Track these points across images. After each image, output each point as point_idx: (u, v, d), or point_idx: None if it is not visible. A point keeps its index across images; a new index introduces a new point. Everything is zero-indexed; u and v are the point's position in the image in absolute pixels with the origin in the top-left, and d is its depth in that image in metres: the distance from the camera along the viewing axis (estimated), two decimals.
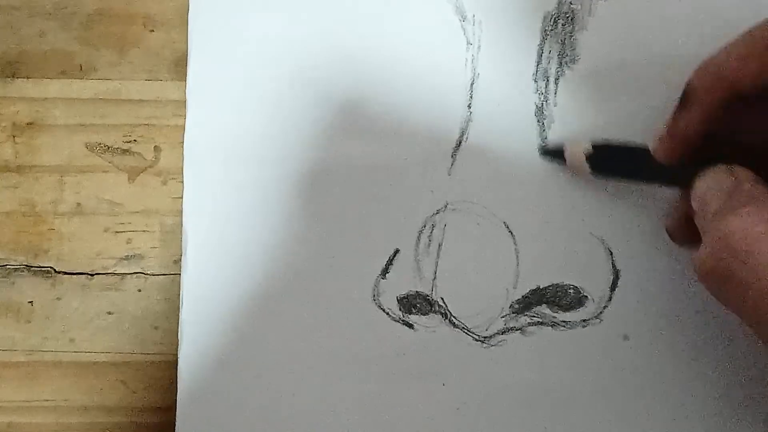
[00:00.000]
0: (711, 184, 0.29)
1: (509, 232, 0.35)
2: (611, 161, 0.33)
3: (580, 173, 0.34)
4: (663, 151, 0.32)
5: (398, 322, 0.35)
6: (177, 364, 0.35)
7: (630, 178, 0.34)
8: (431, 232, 0.35)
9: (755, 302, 0.25)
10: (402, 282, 0.35)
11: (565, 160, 0.34)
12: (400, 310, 0.35)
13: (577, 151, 0.34)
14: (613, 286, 0.35)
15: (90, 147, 0.36)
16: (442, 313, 0.35)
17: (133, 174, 0.36)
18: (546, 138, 0.35)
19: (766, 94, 0.29)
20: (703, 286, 0.27)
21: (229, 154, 0.35)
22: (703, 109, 0.30)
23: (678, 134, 0.31)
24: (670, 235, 0.34)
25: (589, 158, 0.33)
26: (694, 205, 0.30)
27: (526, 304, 0.35)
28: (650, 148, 0.32)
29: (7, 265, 0.36)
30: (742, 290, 0.26)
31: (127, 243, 0.36)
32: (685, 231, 0.33)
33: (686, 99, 0.31)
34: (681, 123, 0.31)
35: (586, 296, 0.35)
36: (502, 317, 0.35)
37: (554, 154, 0.35)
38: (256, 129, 0.35)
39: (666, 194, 0.34)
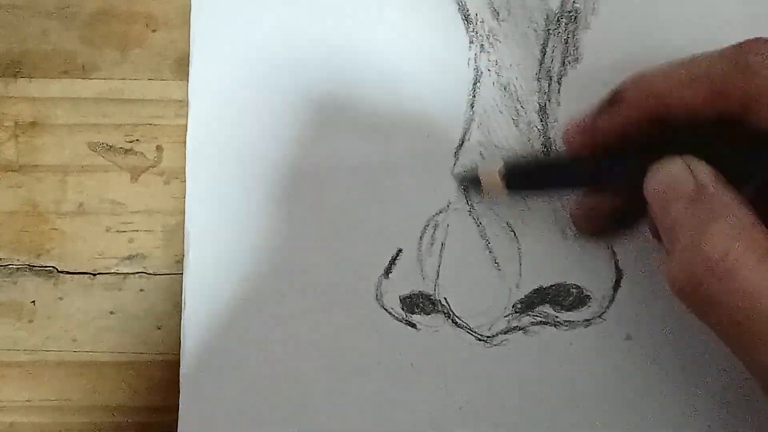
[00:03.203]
0: (668, 182, 0.27)
1: (512, 231, 0.35)
2: (526, 176, 0.33)
3: (497, 194, 0.33)
4: (576, 141, 0.31)
5: (401, 321, 0.35)
6: (179, 364, 0.35)
7: (545, 189, 0.33)
8: (434, 232, 0.35)
9: (734, 324, 0.25)
10: (405, 282, 0.35)
11: (481, 188, 0.33)
12: (402, 309, 0.35)
13: (491, 174, 0.33)
14: (616, 286, 0.35)
15: (92, 147, 0.36)
16: (444, 313, 0.35)
17: (136, 174, 0.36)
18: (549, 137, 0.35)
19: (695, 122, 0.28)
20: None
21: (231, 153, 0.35)
22: (628, 116, 0.29)
23: (597, 130, 0.30)
24: (576, 225, 0.34)
25: (504, 178, 0.32)
26: (651, 203, 0.28)
27: (529, 303, 0.35)
28: (563, 134, 0.31)
29: (9, 264, 0.35)
30: (720, 311, 0.25)
31: (130, 243, 0.36)
32: (591, 223, 0.33)
33: (613, 101, 0.30)
34: (602, 121, 0.30)
35: (589, 296, 0.35)
36: (505, 317, 0.35)
37: (471, 183, 0.34)
38: (258, 128, 0.35)
39: None
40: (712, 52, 0.29)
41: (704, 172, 0.27)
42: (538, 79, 0.35)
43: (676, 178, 0.27)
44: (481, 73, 0.35)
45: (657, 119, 0.29)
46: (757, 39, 0.28)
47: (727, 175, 0.27)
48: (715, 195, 0.26)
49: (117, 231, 0.36)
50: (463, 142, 0.35)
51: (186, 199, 0.35)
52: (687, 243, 0.25)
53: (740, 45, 0.28)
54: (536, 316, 0.35)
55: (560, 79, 0.35)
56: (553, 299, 0.35)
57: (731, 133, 0.28)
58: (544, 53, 0.35)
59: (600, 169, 0.31)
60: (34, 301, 0.35)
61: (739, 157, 0.28)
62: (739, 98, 0.27)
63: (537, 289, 0.35)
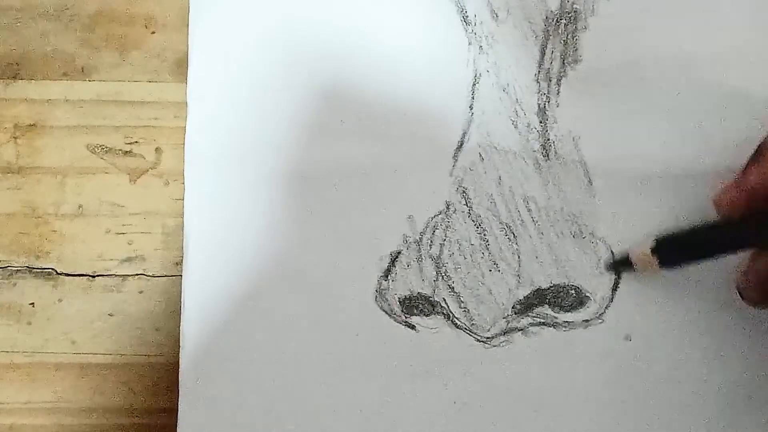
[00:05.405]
0: None
1: (511, 233, 0.35)
2: (678, 250, 0.32)
3: (652, 272, 0.34)
4: (727, 203, 0.30)
5: (400, 323, 0.35)
6: (178, 366, 0.35)
7: (701, 259, 0.32)
8: (433, 234, 0.35)
9: None
10: (404, 283, 0.35)
11: (632, 266, 0.33)
12: (402, 311, 0.35)
13: (643, 252, 0.33)
14: (615, 287, 0.35)
15: (91, 148, 0.36)
16: (444, 314, 0.35)
17: (135, 175, 0.36)
18: (548, 139, 0.35)
19: None
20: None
21: (230, 155, 0.35)
22: None
23: (747, 187, 0.30)
24: (741, 295, 0.32)
25: (655, 253, 0.32)
26: None
27: (528, 304, 0.35)
28: (712, 198, 0.31)
29: (8, 266, 0.35)
30: None
31: (129, 244, 0.36)
32: (762, 292, 0.31)
33: (759, 155, 0.29)
34: (752, 177, 0.29)
35: (588, 297, 0.35)
36: (504, 318, 0.35)
37: (622, 264, 0.34)
38: (257, 130, 0.35)
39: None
40: None
41: None
42: (538, 80, 0.35)
43: None
44: (480, 74, 0.35)
45: None
46: None
47: None
48: None
49: (116, 233, 0.36)
50: (462, 144, 0.35)
51: (185, 201, 0.35)
52: None
53: None
54: (535, 317, 0.35)
55: (559, 80, 0.35)
56: (552, 300, 0.35)
57: None
58: (543, 54, 0.35)
59: (759, 227, 0.30)
60: (33, 303, 0.35)
61: None
62: None
63: (536, 290, 0.35)
